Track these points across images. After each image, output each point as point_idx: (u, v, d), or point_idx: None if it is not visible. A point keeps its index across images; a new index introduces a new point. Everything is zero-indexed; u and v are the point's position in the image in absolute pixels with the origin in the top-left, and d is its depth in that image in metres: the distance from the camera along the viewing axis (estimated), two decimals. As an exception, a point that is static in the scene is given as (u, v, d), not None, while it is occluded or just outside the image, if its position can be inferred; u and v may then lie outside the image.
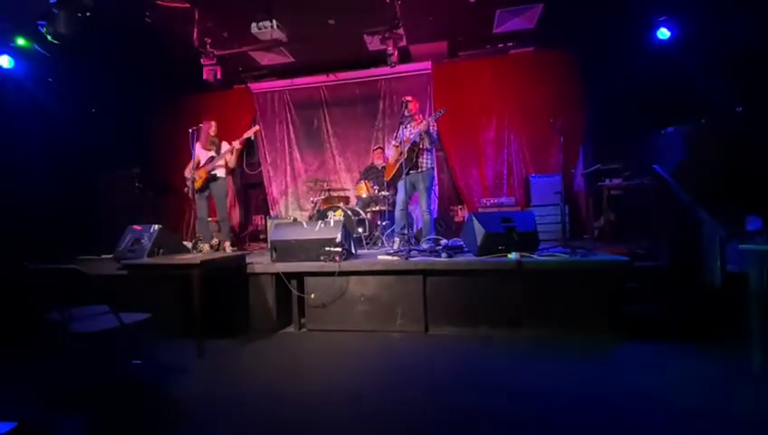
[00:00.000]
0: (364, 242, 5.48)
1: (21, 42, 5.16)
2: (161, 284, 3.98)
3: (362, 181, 6.01)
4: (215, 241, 5.19)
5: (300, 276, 3.99)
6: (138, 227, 4.54)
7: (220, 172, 5.14)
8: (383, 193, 5.75)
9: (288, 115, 7.54)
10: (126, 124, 7.11)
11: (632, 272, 3.55)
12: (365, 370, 3.01)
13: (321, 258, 3.92)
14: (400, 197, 4.81)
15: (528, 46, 6.63)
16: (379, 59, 6.18)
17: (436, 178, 6.21)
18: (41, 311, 2.56)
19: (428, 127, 4.58)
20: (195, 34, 5.15)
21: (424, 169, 4.79)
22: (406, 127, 4.86)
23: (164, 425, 2.33)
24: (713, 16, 5.03)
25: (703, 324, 3.28)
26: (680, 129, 4.99)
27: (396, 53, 5.18)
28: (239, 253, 4.70)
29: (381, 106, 7.16)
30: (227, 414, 2.38)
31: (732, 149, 4.62)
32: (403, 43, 5.93)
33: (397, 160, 4.85)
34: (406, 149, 4.62)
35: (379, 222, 5.82)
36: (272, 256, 4.12)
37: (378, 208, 5.82)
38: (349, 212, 5.54)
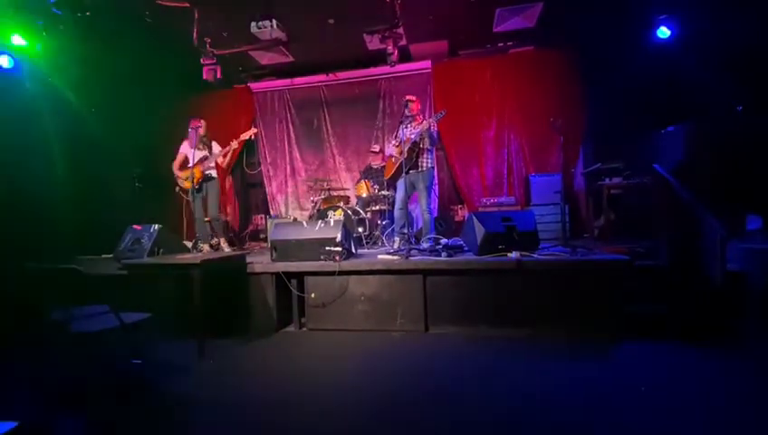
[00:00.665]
0: (364, 241, 5.49)
1: (17, 40, 5.14)
2: (161, 283, 3.98)
3: (362, 181, 6.01)
4: (215, 241, 5.19)
5: (300, 276, 3.99)
6: (138, 227, 4.54)
7: (213, 172, 5.16)
8: (383, 192, 5.75)
9: (288, 115, 7.54)
10: (126, 124, 7.11)
11: (632, 271, 3.54)
12: (365, 369, 3.01)
13: (322, 258, 3.92)
14: (399, 196, 4.81)
15: (528, 45, 6.62)
16: (379, 58, 6.18)
17: (436, 177, 6.21)
18: (41, 311, 2.56)
19: (429, 127, 4.58)
20: (195, 34, 5.14)
21: (424, 168, 4.79)
22: (407, 127, 4.86)
23: (164, 425, 2.33)
24: (713, 15, 5.03)
25: (703, 324, 3.28)
26: (680, 128, 4.98)
27: (396, 52, 5.18)
28: (239, 252, 4.70)
29: (381, 105, 7.15)
30: (228, 414, 2.38)
31: (732, 149, 4.62)
32: (403, 42, 5.92)
33: (397, 159, 4.85)
34: (406, 149, 4.62)
35: (379, 221, 5.82)
36: (272, 256, 4.12)
37: (378, 208, 5.82)
38: (349, 211, 5.54)
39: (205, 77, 5.43)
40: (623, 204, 5.37)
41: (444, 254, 3.93)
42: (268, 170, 7.66)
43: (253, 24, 4.93)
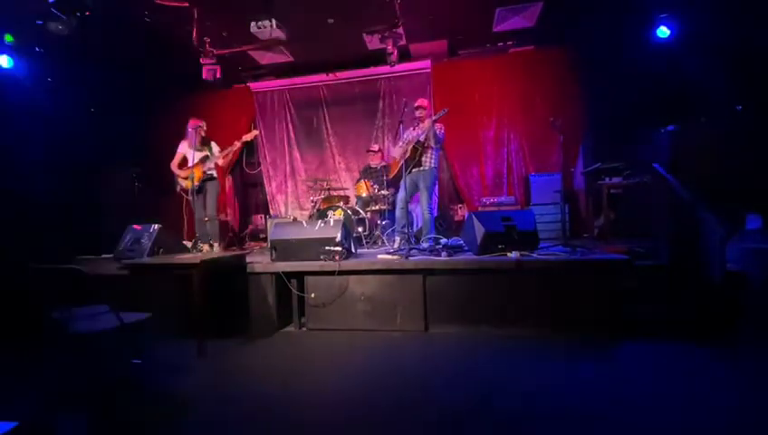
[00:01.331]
0: (364, 241, 5.49)
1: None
2: (161, 283, 3.98)
3: (362, 180, 6.01)
4: (209, 242, 5.18)
5: (300, 276, 3.99)
6: (138, 227, 4.53)
7: (214, 172, 5.16)
8: (383, 192, 5.75)
9: (288, 114, 7.54)
10: (126, 124, 7.11)
11: (632, 271, 3.54)
12: (365, 369, 3.01)
13: (322, 257, 3.92)
14: (401, 195, 4.80)
15: (528, 45, 6.62)
16: (379, 58, 6.18)
17: (438, 177, 6.22)
18: (41, 311, 2.56)
19: (432, 126, 4.59)
20: (194, 34, 5.14)
21: (427, 167, 4.79)
22: (414, 128, 4.86)
23: (164, 425, 2.33)
24: (713, 15, 5.03)
25: (703, 323, 3.28)
26: (680, 127, 4.99)
27: (395, 51, 5.18)
28: (239, 252, 4.69)
29: (381, 105, 7.15)
30: (228, 414, 2.38)
31: (731, 148, 4.62)
32: (402, 41, 5.93)
33: (401, 158, 4.84)
34: (409, 148, 4.62)
35: (378, 221, 5.82)
36: (272, 256, 4.12)
37: (377, 208, 5.82)
38: (349, 211, 5.54)
39: (204, 77, 5.43)
40: (623, 203, 5.37)
41: (444, 253, 3.93)
42: (268, 170, 7.67)
43: (252, 23, 4.93)
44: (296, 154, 7.55)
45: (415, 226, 5.78)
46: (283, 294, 4.03)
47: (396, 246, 4.90)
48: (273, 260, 4.07)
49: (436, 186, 6.26)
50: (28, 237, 4.89)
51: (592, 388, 2.50)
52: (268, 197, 7.66)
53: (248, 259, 4.12)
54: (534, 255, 3.70)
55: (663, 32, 5.40)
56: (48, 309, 2.51)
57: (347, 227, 4.27)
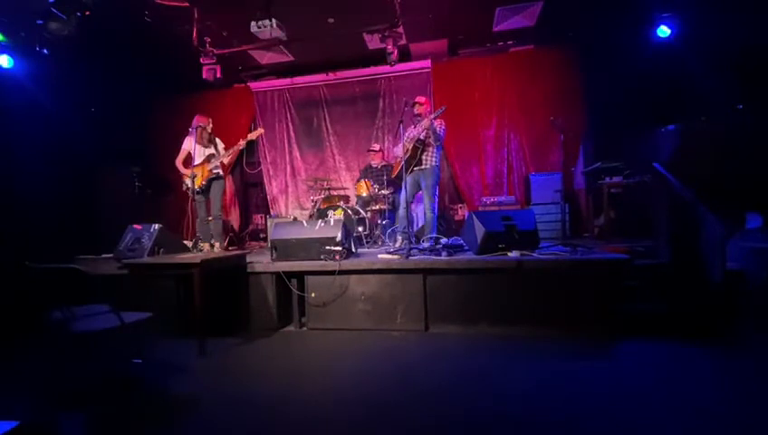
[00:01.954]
0: (364, 241, 5.49)
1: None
2: (162, 283, 3.99)
3: (362, 180, 6.01)
4: (210, 242, 5.18)
5: (300, 275, 3.99)
6: (138, 227, 4.53)
7: (220, 171, 5.14)
8: (383, 192, 5.75)
9: (288, 114, 7.54)
10: (126, 123, 7.11)
11: (632, 270, 3.55)
12: (366, 369, 3.01)
13: (322, 257, 3.92)
14: (403, 195, 4.80)
15: (528, 44, 6.62)
16: (379, 57, 6.17)
17: (439, 176, 6.21)
18: (41, 310, 2.56)
19: (432, 124, 4.58)
20: (194, 33, 5.14)
21: (428, 166, 4.78)
22: (415, 126, 4.86)
23: (165, 424, 2.33)
24: (713, 14, 5.02)
25: (703, 322, 3.28)
26: (681, 126, 4.98)
27: (395, 51, 5.17)
28: (239, 252, 4.69)
29: (381, 105, 7.15)
30: (228, 413, 2.38)
31: (732, 147, 4.62)
32: (403, 41, 5.92)
33: (403, 158, 4.84)
34: (410, 147, 4.62)
35: (379, 221, 5.82)
36: (272, 255, 4.12)
37: (378, 207, 5.82)
38: (349, 211, 5.54)
39: (204, 76, 5.42)
40: (623, 203, 5.37)
41: (444, 253, 3.93)
42: (268, 170, 7.66)
43: (252, 23, 4.92)
44: (296, 154, 7.54)
45: (416, 225, 5.78)
46: (283, 293, 4.04)
47: (396, 245, 4.90)
48: (273, 260, 4.07)
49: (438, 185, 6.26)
50: (28, 237, 4.89)
51: (593, 387, 2.51)
52: (268, 196, 7.66)
53: (249, 259, 4.13)
54: (535, 254, 3.70)
55: (663, 31, 5.40)
56: (48, 309, 2.51)
57: (347, 226, 4.27)
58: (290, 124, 7.54)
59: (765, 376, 2.59)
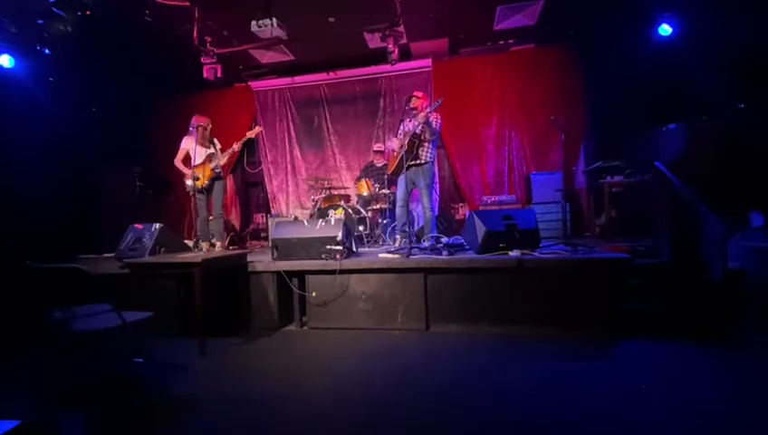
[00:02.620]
0: (365, 240, 5.49)
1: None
2: (163, 282, 3.99)
3: (363, 179, 6.01)
4: (212, 240, 5.17)
5: (301, 275, 3.99)
6: (139, 226, 4.54)
7: (221, 171, 5.15)
8: (384, 191, 5.74)
9: (288, 113, 7.54)
10: (127, 123, 7.12)
11: (633, 269, 3.55)
12: (366, 368, 3.01)
13: (323, 256, 3.92)
14: (400, 193, 4.78)
15: (529, 43, 6.61)
16: (380, 56, 6.16)
17: (437, 174, 6.20)
18: (42, 310, 2.56)
19: (428, 117, 4.52)
20: (195, 33, 5.14)
21: (423, 161, 4.71)
22: (410, 120, 4.83)
23: (165, 424, 2.34)
24: (714, 13, 5.01)
25: (703, 322, 3.27)
26: (682, 125, 4.98)
27: (396, 50, 5.16)
28: (240, 251, 4.70)
29: (382, 104, 7.15)
30: (229, 413, 2.38)
31: (734, 146, 4.61)
32: (403, 40, 5.92)
33: (398, 153, 4.80)
34: (406, 141, 4.57)
35: (379, 220, 5.82)
36: (273, 255, 4.12)
37: (378, 206, 5.82)
38: (349, 210, 5.54)
39: (205, 76, 5.42)
40: (624, 202, 5.36)
41: (445, 252, 3.93)
42: (269, 169, 7.67)
43: (253, 22, 4.92)
44: (297, 153, 7.55)
45: (416, 225, 5.78)
46: (284, 292, 4.04)
47: (397, 244, 4.90)
48: (274, 259, 4.07)
49: (436, 184, 6.25)
50: (29, 237, 4.90)
51: (593, 387, 2.50)
52: (269, 196, 7.66)
53: (249, 258, 4.13)
54: (536, 253, 3.70)
55: (665, 30, 5.38)
56: (49, 308, 2.52)
57: (348, 225, 4.27)
58: (290, 123, 7.54)
59: (765, 376, 2.59)
